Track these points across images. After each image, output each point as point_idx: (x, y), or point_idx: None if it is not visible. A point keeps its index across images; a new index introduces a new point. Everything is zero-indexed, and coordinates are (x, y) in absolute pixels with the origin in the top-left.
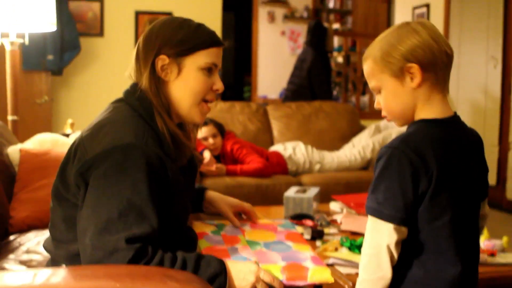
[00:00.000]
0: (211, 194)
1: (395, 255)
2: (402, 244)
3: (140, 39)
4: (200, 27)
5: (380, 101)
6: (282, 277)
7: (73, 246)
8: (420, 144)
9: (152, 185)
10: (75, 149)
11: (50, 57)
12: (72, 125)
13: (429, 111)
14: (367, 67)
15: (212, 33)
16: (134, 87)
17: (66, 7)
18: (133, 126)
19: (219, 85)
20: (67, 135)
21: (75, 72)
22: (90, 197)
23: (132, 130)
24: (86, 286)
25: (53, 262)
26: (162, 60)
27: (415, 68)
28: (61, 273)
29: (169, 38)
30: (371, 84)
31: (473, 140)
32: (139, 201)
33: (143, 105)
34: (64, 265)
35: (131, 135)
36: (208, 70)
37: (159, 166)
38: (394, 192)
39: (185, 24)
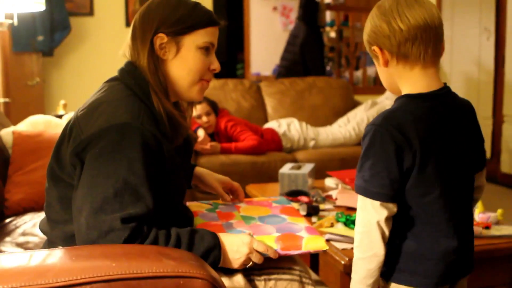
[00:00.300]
0: (200, 170)
1: (386, 231)
2: (395, 218)
3: (136, 17)
4: (197, 6)
5: None
6: (276, 246)
7: (69, 226)
8: (401, 120)
9: (148, 164)
10: (70, 129)
11: (40, 37)
12: (64, 106)
13: (412, 86)
14: None
15: (209, 12)
16: (130, 65)
17: None
18: (128, 105)
19: (216, 65)
20: (60, 116)
21: (66, 52)
22: (86, 176)
23: (128, 109)
24: (82, 266)
25: (50, 243)
26: (161, 38)
27: (377, 50)
28: (57, 254)
29: (167, 17)
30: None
31: (464, 111)
32: (135, 181)
33: (139, 84)
34: (60, 246)
35: (127, 114)
36: (206, 49)
37: (155, 146)
38: (379, 170)
39: (183, 3)
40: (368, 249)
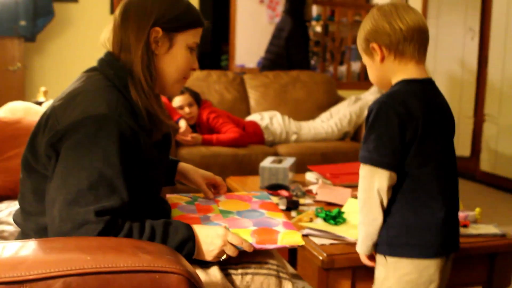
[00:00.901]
0: (183, 166)
1: (385, 199)
2: (395, 192)
3: (128, 7)
4: (190, 5)
5: None
6: (252, 240)
7: (43, 218)
8: (405, 97)
9: (124, 157)
10: (46, 119)
11: (22, 22)
12: (45, 93)
13: (404, 75)
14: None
15: (199, 13)
16: (109, 56)
17: None
18: (106, 96)
19: (197, 65)
20: (40, 103)
21: (49, 38)
22: (60, 167)
23: (106, 100)
24: (56, 259)
25: (23, 235)
26: (156, 32)
27: (376, 47)
28: (30, 246)
29: (165, 12)
30: (362, 60)
31: (445, 102)
32: (110, 173)
33: (118, 75)
34: (33, 238)
35: (104, 106)
36: (192, 49)
37: (132, 138)
38: (383, 141)
39: (178, 0)
40: (368, 214)
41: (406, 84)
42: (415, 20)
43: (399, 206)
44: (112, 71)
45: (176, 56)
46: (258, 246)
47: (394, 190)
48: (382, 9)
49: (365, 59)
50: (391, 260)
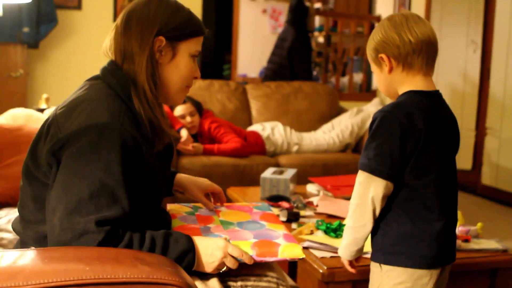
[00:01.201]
0: (181, 177)
1: (378, 209)
2: (393, 201)
3: (131, 16)
4: (191, 14)
5: None
6: (252, 252)
7: (43, 227)
8: (410, 109)
9: (125, 166)
10: (47, 126)
11: (26, 29)
12: (47, 100)
13: (412, 86)
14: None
15: (200, 22)
16: (112, 65)
17: None
18: (109, 105)
19: (198, 73)
20: (42, 110)
21: (52, 45)
22: (62, 176)
23: (108, 109)
24: (54, 269)
25: (22, 243)
26: (160, 41)
27: (384, 58)
28: (28, 255)
29: (168, 21)
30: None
31: (451, 113)
32: (112, 183)
33: (121, 84)
34: (32, 247)
35: (107, 114)
36: (194, 57)
37: (134, 148)
38: (383, 150)
39: (180, 9)
40: (359, 220)
41: (413, 95)
42: (424, 32)
43: (396, 215)
44: (115, 80)
45: (180, 64)
46: (258, 259)
47: (391, 199)
48: (392, 20)
49: (374, 68)
50: (386, 268)
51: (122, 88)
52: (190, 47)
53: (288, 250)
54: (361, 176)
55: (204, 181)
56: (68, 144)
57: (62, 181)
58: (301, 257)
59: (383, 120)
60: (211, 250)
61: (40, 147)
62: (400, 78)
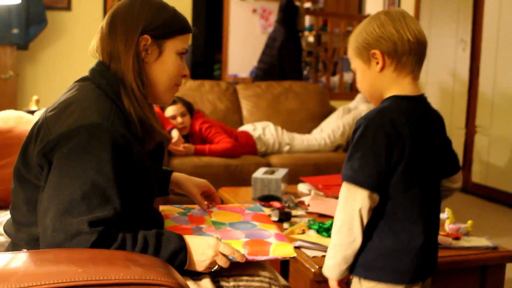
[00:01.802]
0: (177, 175)
1: (365, 221)
2: (376, 215)
3: (115, 16)
4: (176, 12)
5: (357, 80)
6: (243, 251)
7: (35, 229)
8: (395, 116)
9: (117, 166)
10: (38, 129)
11: (15, 31)
12: (37, 101)
13: (398, 90)
14: (348, 51)
15: (186, 19)
16: (100, 65)
17: None
18: (99, 105)
19: (187, 71)
20: (32, 112)
21: (42, 47)
22: (53, 177)
23: (98, 109)
24: (47, 271)
25: (14, 246)
26: (145, 40)
27: (378, 54)
28: (21, 258)
29: (152, 19)
30: (351, 66)
31: (437, 118)
32: (104, 183)
33: (110, 85)
34: (25, 250)
35: (97, 115)
36: (181, 54)
37: (125, 148)
38: (368, 160)
39: (164, 7)
40: (348, 236)
41: (398, 100)
42: (421, 31)
43: (379, 230)
44: (104, 80)
45: (167, 62)
46: (250, 258)
47: (374, 212)
48: (390, 14)
49: (359, 65)
50: (366, 284)
51: (111, 88)
52: (176, 45)
53: (280, 249)
54: (346, 189)
55: (201, 180)
56: (59, 146)
57: (54, 182)
58: (292, 256)
59: (367, 128)
60: (202, 248)
61: (30, 149)
62: (389, 78)
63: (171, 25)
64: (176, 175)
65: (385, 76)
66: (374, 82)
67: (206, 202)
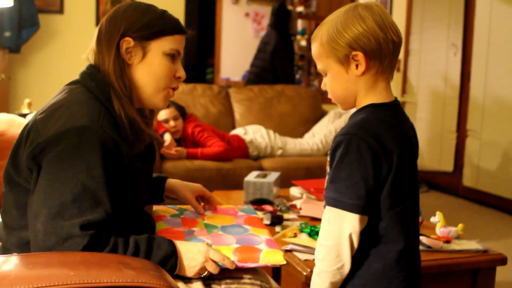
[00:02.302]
0: (172, 182)
1: (356, 245)
2: (362, 236)
3: (103, 20)
4: (165, 14)
5: (326, 83)
6: (233, 258)
7: (25, 233)
8: (376, 128)
9: (107, 169)
10: (27, 132)
11: (7, 34)
12: (29, 104)
13: (374, 97)
14: (314, 49)
15: (177, 20)
16: (91, 68)
17: None
18: (88, 108)
19: (181, 73)
20: (24, 115)
21: (34, 50)
22: (43, 180)
23: (88, 112)
24: (39, 274)
25: (4, 250)
26: (127, 42)
27: (360, 56)
28: (13, 261)
29: (135, 21)
30: (318, 66)
31: (410, 124)
32: (94, 185)
33: (100, 88)
34: (15, 253)
35: (86, 118)
36: (172, 56)
37: (114, 150)
38: (356, 180)
39: (151, 9)
40: (336, 263)
41: (376, 110)
42: (400, 31)
43: (366, 255)
44: (94, 84)
45: (152, 64)
46: (240, 264)
47: (362, 234)
48: (371, 9)
49: (334, 67)
50: None
51: (101, 91)
52: (163, 46)
53: (270, 256)
54: (332, 213)
55: (195, 184)
56: (48, 148)
57: (44, 186)
58: (282, 264)
59: (350, 145)
60: (192, 254)
61: (20, 153)
62: (367, 83)
63: (154, 26)
64: (170, 181)
65: (363, 80)
66: (350, 86)
67: (202, 204)
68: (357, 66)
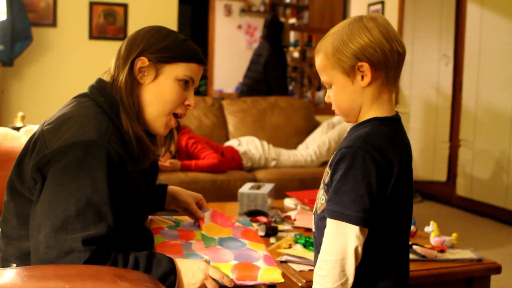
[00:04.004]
0: (173, 188)
1: (359, 258)
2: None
3: (126, 39)
4: (187, 41)
5: (330, 96)
6: (232, 276)
7: (25, 243)
8: (381, 142)
9: (112, 184)
10: (34, 142)
11: (0, 47)
12: (22, 118)
13: (378, 109)
14: (319, 61)
15: (197, 50)
16: (100, 83)
17: None
18: (96, 122)
19: (191, 101)
20: (18, 129)
21: (27, 63)
22: (47, 192)
23: (95, 126)
24: (35, 287)
25: (3, 260)
26: (142, 61)
27: (365, 67)
28: (8, 274)
29: (154, 43)
30: (323, 78)
31: (408, 140)
32: (98, 200)
33: (109, 103)
34: (14, 265)
35: (93, 132)
36: (185, 82)
37: (120, 165)
38: (361, 193)
39: (173, 34)
40: (340, 278)
41: (380, 124)
42: (403, 43)
43: (365, 272)
44: (102, 98)
45: (162, 87)
46: (238, 282)
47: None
48: (376, 20)
49: (339, 79)
50: None
51: (109, 106)
52: (176, 71)
53: (268, 274)
54: (336, 227)
55: (195, 193)
56: (54, 160)
57: (48, 198)
58: (280, 281)
59: (355, 158)
60: (192, 272)
61: (25, 162)
62: (372, 95)
63: (172, 50)
64: (171, 188)
65: (368, 92)
66: (355, 98)
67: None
68: (362, 77)
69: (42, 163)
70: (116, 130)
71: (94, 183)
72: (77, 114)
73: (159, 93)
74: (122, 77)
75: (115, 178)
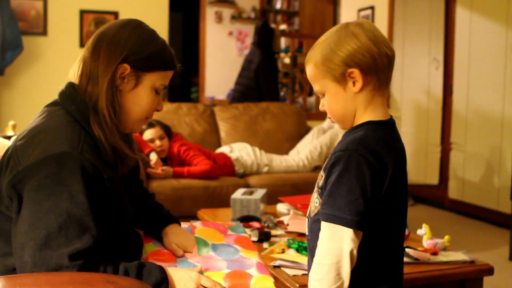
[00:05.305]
0: (167, 230)
1: (355, 261)
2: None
3: (103, 38)
4: (166, 46)
5: (324, 104)
6: (224, 284)
7: (10, 260)
8: (375, 145)
9: (90, 194)
10: (7, 158)
11: None
12: (14, 126)
13: (372, 114)
14: (310, 71)
15: (173, 55)
16: (70, 88)
17: (8, 4)
18: (67, 133)
19: (161, 106)
20: (9, 138)
21: (18, 72)
22: (26, 211)
23: (67, 138)
24: None
25: None
26: (124, 68)
27: (356, 73)
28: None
29: (138, 49)
30: (315, 88)
31: (402, 144)
32: (79, 212)
33: (80, 110)
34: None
35: (65, 144)
36: (158, 90)
37: (95, 175)
38: (356, 196)
39: (155, 39)
40: (335, 281)
41: (374, 128)
42: (391, 45)
43: (360, 275)
44: (73, 106)
45: (141, 95)
46: None
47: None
48: (362, 26)
49: (331, 87)
50: None
51: (80, 114)
52: (154, 80)
53: (260, 283)
54: (330, 230)
55: (188, 239)
56: (28, 177)
57: (28, 216)
58: None
59: (350, 161)
60: (184, 281)
61: (1, 180)
62: (365, 99)
63: (154, 59)
64: (166, 229)
65: (361, 97)
66: (348, 105)
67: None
68: (354, 83)
69: (16, 181)
70: (89, 139)
71: (72, 196)
72: (48, 126)
73: (137, 102)
74: (103, 82)
75: (92, 188)
